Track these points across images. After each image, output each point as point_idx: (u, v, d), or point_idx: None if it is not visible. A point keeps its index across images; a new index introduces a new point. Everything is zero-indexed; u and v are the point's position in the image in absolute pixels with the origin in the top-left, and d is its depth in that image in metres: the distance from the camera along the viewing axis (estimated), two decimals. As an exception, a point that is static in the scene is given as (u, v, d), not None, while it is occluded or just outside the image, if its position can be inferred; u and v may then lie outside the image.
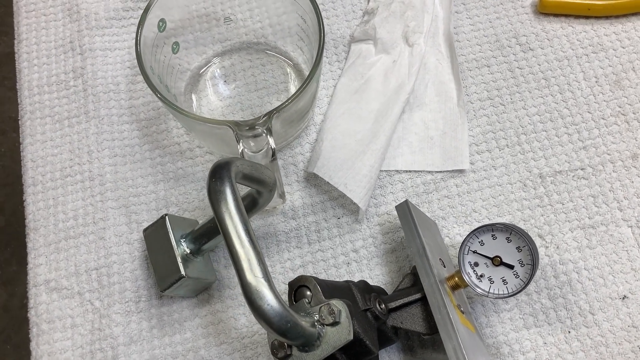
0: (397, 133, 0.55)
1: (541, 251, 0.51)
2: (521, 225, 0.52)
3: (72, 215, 0.54)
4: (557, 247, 0.51)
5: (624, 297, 0.49)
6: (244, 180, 0.42)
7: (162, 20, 0.51)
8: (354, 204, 0.51)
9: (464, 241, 0.45)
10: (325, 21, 0.57)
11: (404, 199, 0.53)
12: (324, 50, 0.48)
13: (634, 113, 0.55)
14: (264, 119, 0.46)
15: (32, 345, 0.50)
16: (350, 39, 0.60)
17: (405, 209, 0.48)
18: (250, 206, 0.47)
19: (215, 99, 0.58)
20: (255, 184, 0.44)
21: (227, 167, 0.40)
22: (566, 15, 0.60)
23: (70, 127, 0.57)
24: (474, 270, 0.44)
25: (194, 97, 0.58)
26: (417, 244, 0.45)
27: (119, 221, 0.53)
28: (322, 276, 0.51)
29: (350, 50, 0.59)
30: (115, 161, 0.56)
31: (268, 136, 0.46)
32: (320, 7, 0.60)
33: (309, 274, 0.50)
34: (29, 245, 0.53)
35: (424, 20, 0.58)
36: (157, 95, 0.46)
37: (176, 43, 0.54)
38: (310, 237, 0.52)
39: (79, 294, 0.51)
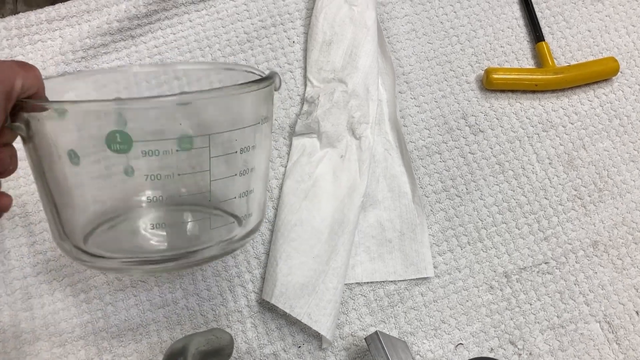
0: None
1: (515, 360, 0.48)
2: (491, 332, 0.49)
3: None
4: (530, 354, 0.49)
5: (601, 401, 0.48)
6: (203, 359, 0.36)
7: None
8: (317, 330, 0.46)
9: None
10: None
11: (368, 316, 0.49)
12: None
13: (589, 196, 0.54)
14: None
15: None
16: (290, 130, 0.54)
17: (376, 342, 0.44)
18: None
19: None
20: (214, 356, 0.38)
21: (183, 355, 0.34)
22: (512, 91, 0.57)
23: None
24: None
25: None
26: (395, 387, 0.41)
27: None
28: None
29: (293, 145, 0.53)
30: None
31: None
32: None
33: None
34: None
35: (369, 108, 0.54)
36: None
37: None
38: (271, 375, 0.47)
39: None
